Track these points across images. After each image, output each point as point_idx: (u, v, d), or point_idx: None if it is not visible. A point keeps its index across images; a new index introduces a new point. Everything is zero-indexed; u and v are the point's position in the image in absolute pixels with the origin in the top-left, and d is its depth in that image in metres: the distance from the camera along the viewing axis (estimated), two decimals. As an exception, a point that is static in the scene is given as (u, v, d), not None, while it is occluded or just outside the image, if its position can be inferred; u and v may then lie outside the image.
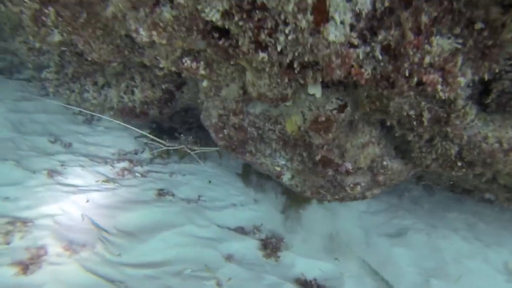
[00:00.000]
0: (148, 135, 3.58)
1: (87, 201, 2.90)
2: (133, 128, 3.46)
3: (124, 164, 3.57)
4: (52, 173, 3.16)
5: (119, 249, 2.65)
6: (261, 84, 2.03)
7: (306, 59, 1.64)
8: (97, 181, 3.19)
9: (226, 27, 1.80)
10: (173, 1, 2.05)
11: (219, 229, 2.99)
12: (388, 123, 2.38)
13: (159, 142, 3.53)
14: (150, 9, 2.09)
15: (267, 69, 1.86)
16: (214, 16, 1.72)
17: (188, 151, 3.58)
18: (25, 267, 2.21)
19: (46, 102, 4.46)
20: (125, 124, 3.45)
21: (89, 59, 2.84)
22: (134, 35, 2.35)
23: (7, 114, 3.90)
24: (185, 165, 3.78)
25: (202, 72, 2.53)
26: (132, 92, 3.42)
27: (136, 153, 4.02)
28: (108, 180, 3.23)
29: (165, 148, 3.66)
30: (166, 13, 2.06)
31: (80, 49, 2.79)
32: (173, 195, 3.21)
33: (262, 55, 1.74)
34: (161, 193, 3.18)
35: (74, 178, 3.21)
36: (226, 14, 1.69)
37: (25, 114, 4.04)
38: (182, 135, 3.86)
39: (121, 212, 2.92)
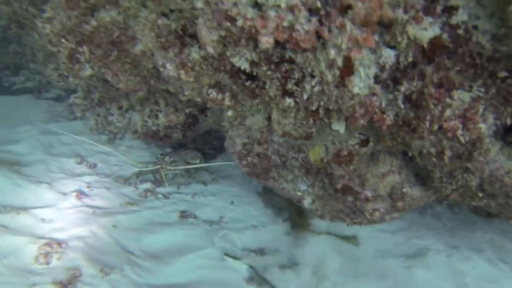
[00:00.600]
0: (119, 154, 3.66)
1: (114, 224, 3.03)
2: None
3: (147, 185, 3.70)
4: (80, 195, 3.31)
5: (145, 271, 2.76)
6: (286, 123, 2.13)
7: (331, 107, 1.73)
8: (122, 204, 3.32)
9: (254, 73, 1.91)
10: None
11: (240, 251, 3.08)
12: (410, 154, 2.44)
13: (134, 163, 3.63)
14: (179, 50, 2.20)
15: (292, 113, 1.96)
16: (242, 64, 1.82)
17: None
18: (64, 287, 2.36)
19: (72, 123, 4.64)
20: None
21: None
22: (161, 69, 2.47)
23: (39, 137, 4.09)
24: (208, 185, 3.89)
25: (227, 103, 2.63)
26: (156, 117, 3.55)
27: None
28: (132, 203, 3.35)
29: (143, 170, 3.73)
30: (195, 53, 2.17)
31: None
32: (195, 217, 3.32)
33: (288, 100, 1.84)
34: (184, 215, 3.30)
35: (101, 200, 3.35)
36: (254, 64, 1.79)
37: (54, 136, 4.22)
38: (159, 155, 3.92)
39: (146, 235, 3.05)
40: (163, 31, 2.18)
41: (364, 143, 2.35)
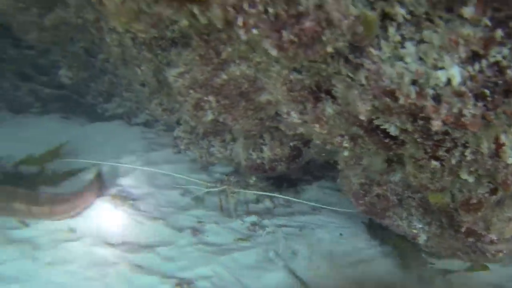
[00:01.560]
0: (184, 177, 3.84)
1: (232, 263, 3.22)
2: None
3: (253, 218, 3.87)
4: (195, 231, 3.54)
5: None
6: (424, 177, 2.20)
7: (479, 173, 1.79)
8: (235, 240, 3.51)
9: (401, 138, 2.00)
10: (335, 97, 2.28)
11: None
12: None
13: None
14: (313, 105, 2.33)
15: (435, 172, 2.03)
16: (392, 131, 1.92)
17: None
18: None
19: (168, 152, 4.95)
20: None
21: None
22: (284, 116, 2.62)
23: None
24: (310, 216, 4.00)
25: (345, 145, 2.73)
26: (261, 150, 3.72)
27: (257, 202, 4.32)
28: (243, 238, 3.53)
29: (206, 190, 3.87)
30: (329, 109, 2.29)
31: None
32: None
33: (434, 163, 1.92)
34: (295, 252, 3.42)
35: (214, 235, 3.56)
36: (404, 131, 1.89)
37: (155, 166, 4.52)
38: (226, 176, 4.07)
39: (264, 273, 3.20)
40: (295, 86, 2.32)
41: (493, 191, 2.36)
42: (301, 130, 2.87)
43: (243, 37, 1.67)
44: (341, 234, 3.67)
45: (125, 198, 3.89)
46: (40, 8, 4.20)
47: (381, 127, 1.99)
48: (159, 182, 4.33)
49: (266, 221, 3.86)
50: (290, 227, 3.76)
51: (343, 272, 3.24)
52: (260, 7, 1.55)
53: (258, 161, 3.69)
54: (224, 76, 2.52)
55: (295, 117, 2.57)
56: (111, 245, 3.26)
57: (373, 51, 1.77)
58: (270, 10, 1.55)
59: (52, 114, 5.79)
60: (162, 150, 5.00)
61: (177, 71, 2.62)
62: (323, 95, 2.25)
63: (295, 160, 3.69)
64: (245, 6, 1.56)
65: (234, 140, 3.90)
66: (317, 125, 2.31)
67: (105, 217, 3.55)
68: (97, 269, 3.03)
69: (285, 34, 1.63)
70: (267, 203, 4.27)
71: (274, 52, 1.67)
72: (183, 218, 3.74)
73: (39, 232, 3.28)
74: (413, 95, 1.62)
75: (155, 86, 3.96)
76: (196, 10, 1.84)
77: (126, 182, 4.20)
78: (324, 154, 3.75)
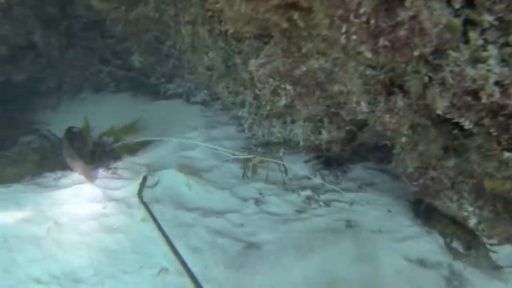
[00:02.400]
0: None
1: (294, 231, 3.50)
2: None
3: (308, 192, 4.14)
4: (258, 202, 3.84)
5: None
6: (489, 166, 2.39)
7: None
8: (294, 211, 3.78)
9: (471, 131, 2.18)
10: (406, 92, 2.48)
11: (405, 262, 3.38)
12: None
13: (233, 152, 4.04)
14: (385, 98, 2.54)
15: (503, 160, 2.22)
16: (467, 124, 2.12)
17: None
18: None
19: (226, 129, 5.24)
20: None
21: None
22: (353, 105, 2.84)
23: (207, 143, 4.70)
24: (358, 193, 4.23)
25: (404, 132, 2.93)
26: (319, 132, 3.95)
27: (309, 178, 4.57)
28: (301, 210, 3.81)
29: (233, 157, 4.11)
30: (400, 101, 2.49)
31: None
32: (359, 226, 3.68)
33: (507, 154, 2.10)
34: (349, 224, 3.67)
35: (275, 206, 3.85)
36: (478, 125, 2.08)
37: (216, 142, 4.81)
38: (252, 146, 4.30)
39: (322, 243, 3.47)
40: (370, 80, 2.53)
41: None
42: (361, 117, 3.09)
43: (343, 41, 1.89)
44: (389, 211, 3.87)
45: (195, 169, 4.18)
46: (127, 6, 4.90)
47: (457, 120, 2.17)
48: (221, 157, 4.61)
49: (319, 196, 4.09)
50: (342, 202, 3.98)
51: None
52: (363, 18, 1.76)
53: (316, 142, 3.92)
54: (304, 68, 2.74)
55: (364, 106, 2.79)
56: (188, 209, 3.57)
57: (453, 53, 1.96)
58: (372, 21, 1.75)
59: (123, 93, 6.38)
60: (220, 127, 5.27)
61: (259, 62, 2.84)
62: (395, 89, 2.44)
63: (350, 143, 3.91)
64: (352, 17, 1.77)
65: (293, 122, 4.13)
66: (387, 115, 2.52)
67: (180, 185, 3.86)
68: (179, 228, 3.36)
69: (381, 41, 1.84)
70: (318, 180, 4.49)
71: (369, 55, 1.88)
72: (244, 190, 4.02)
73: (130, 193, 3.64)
74: (497, 95, 1.80)
75: (223, 71, 4.22)
76: (296, 16, 2.06)
77: (194, 154, 4.50)
78: (375, 138, 3.94)
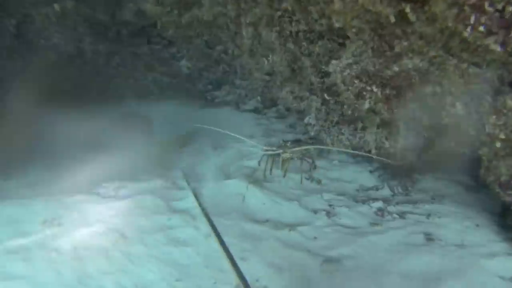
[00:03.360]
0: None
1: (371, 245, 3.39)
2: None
3: (379, 204, 4.02)
4: (329, 214, 3.75)
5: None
6: None
7: None
8: (368, 224, 3.68)
9: None
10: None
11: (499, 280, 3.21)
12: None
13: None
14: (492, 97, 2.44)
15: None
16: None
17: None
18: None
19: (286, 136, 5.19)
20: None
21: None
22: (448, 107, 2.74)
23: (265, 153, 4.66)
24: (433, 205, 4.08)
25: (502, 136, 2.81)
26: (395, 140, 3.84)
27: (377, 189, 4.46)
28: (375, 223, 3.69)
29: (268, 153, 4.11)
30: (510, 101, 2.38)
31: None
32: (440, 239, 3.54)
33: None
34: (429, 237, 3.54)
35: (347, 219, 3.75)
36: None
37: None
38: (282, 141, 4.23)
39: (403, 256, 3.34)
40: (474, 79, 2.43)
41: None
42: (447, 121, 2.98)
43: (468, 33, 1.81)
44: (477, 225, 3.70)
45: (256, 178, 4.14)
46: (180, 9, 4.89)
47: None
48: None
49: (391, 207, 3.98)
50: (417, 215, 3.85)
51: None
52: (498, 6, 1.68)
53: (391, 150, 3.81)
54: (396, 68, 2.66)
55: (459, 108, 2.68)
56: (257, 221, 3.52)
57: None
58: (509, 8, 1.67)
59: (168, 101, 6.27)
60: (277, 135, 5.23)
61: (345, 62, 2.78)
62: (505, 88, 2.34)
63: (427, 151, 3.78)
64: (486, 5, 1.70)
65: (364, 128, 4.04)
66: (493, 116, 2.40)
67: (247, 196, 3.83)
68: (250, 242, 3.30)
69: (513, 31, 1.75)
70: (386, 191, 4.38)
71: (497, 48, 1.79)
72: (312, 200, 3.94)
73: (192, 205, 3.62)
74: None
75: (288, 75, 4.18)
76: (408, 8, 1.99)
77: (252, 164, 4.46)
78: (453, 145, 3.81)
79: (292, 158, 4.24)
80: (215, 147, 4.95)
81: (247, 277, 2.88)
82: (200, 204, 3.67)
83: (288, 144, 4.23)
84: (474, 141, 3.37)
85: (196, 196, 3.78)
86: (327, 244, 3.38)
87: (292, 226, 3.54)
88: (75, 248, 3.12)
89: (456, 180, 4.66)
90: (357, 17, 2.26)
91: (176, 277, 3.03)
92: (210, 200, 3.84)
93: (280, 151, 4.10)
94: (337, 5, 2.15)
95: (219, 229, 3.40)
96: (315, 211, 3.76)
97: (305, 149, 4.21)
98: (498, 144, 3.02)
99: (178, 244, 3.33)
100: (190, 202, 3.76)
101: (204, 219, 3.43)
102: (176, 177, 4.26)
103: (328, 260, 3.20)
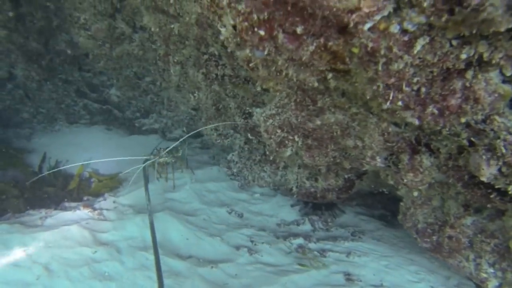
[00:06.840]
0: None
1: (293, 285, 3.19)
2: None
3: (300, 240, 3.85)
4: (250, 250, 3.52)
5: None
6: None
7: None
8: (290, 263, 3.49)
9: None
10: (434, 151, 2.28)
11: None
12: None
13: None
14: (409, 156, 2.33)
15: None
16: (510, 189, 1.93)
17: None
18: None
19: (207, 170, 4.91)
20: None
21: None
22: (368, 159, 2.62)
23: (192, 185, 4.37)
24: (353, 242, 3.99)
25: (421, 187, 2.73)
26: (316, 180, 3.71)
27: (298, 224, 4.31)
28: (296, 261, 3.51)
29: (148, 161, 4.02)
30: (426, 160, 2.29)
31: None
32: (360, 280, 3.42)
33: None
34: (350, 278, 3.41)
35: (268, 256, 3.53)
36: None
37: (201, 184, 4.48)
38: (156, 149, 4.19)
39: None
40: (393, 137, 2.32)
41: None
42: (367, 168, 2.88)
43: (387, 105, 1.67)
44: (396, 265, 3.60)
45: (182, 212, 3.84)
46: (111, 44, 4.70)
47: (498, 186, 1.98)
48: (206, 199, 4.29)
49: (312, 245, 3.83)
50: (338, 253, 3.73)
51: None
52: (414, 87, 1.56)
53: (312, 189, 3.67)
54: (318, 122, 2.51)
55: (379, 161, 2.57)
56: (180, 257, 3.22)
57: (498, 119, 1.78)
58: (423, 89, 1.55)
59: (97, 126, 6.09)
60: (202, 167, 4.94)
61: (268, 113, 2.59)
62: (422, 148, 2.24)
63: (347, 191, 3.68)
64: (404, 86, 1.57)
65: (285, 167, 3.88)
66: (411, 174, 2.31)
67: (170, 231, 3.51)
68: (173, 279, 3.00)
69: (430, 108, 1.64)
70: (307, 226, 4.25)
71: (415, 122, 1.67)
72: (236, 236, 3.71)
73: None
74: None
75: (213, 113, 3.93)
76: (329, 76, 1.84)
77: (178, 197, 4.15)
78: (373, 186, 3.76)
79: (167, 163, 4.16)
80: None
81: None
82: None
83: (161, 152, 4.11)
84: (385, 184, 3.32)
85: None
86: (248, 283, 3.12)
87: (214, 263, 3.26)
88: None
89: (375, 215, 4.64)
90: (281, 83, 2.07)
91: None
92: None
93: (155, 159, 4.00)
94: (261, 72, 1.94)
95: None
96: (237, 247, 3.50)
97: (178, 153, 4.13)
98: (415, 193, 2.96)
99: (103, 278, 2.93)
100: (115, 234, 3.36)
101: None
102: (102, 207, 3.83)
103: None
